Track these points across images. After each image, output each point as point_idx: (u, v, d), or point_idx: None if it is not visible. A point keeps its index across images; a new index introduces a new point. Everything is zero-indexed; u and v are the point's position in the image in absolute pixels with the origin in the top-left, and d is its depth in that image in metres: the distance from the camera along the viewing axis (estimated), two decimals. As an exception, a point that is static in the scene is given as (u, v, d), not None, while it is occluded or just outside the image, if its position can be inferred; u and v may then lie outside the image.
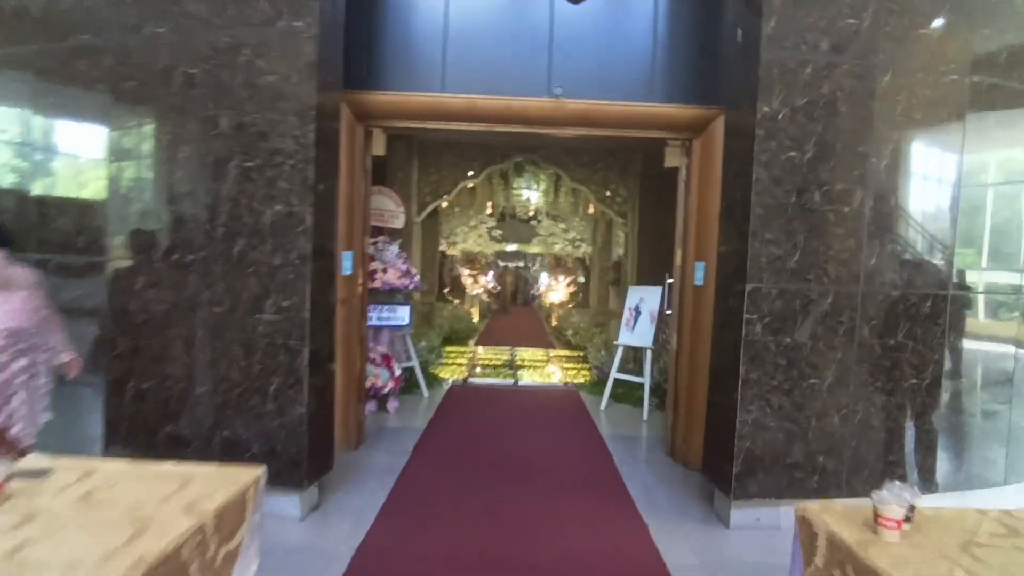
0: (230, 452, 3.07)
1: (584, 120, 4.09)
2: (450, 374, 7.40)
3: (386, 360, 5.24)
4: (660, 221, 6.58)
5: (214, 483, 1.63)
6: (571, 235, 15.65)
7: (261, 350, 3.03)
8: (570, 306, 14.58)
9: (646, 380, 5.59)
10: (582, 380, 7.33)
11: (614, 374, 5.91)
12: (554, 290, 15.26)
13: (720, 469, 3.31)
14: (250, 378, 3.05)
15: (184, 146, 3.10)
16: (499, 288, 19.33)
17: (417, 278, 5.54)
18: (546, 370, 8.09)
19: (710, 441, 3.57)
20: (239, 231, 3.03)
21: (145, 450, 3.10)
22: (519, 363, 8.57)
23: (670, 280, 5.20)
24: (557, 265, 15.05)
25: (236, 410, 3.06)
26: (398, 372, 5.30)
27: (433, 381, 6.76)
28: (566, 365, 8.52)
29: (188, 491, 1.57)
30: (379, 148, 4.35)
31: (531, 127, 4.17)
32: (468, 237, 16.74)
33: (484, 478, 3.85)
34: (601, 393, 6.64)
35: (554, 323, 14.30)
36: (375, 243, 5.24)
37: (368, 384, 5.06)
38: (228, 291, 3.04)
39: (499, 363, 8.47)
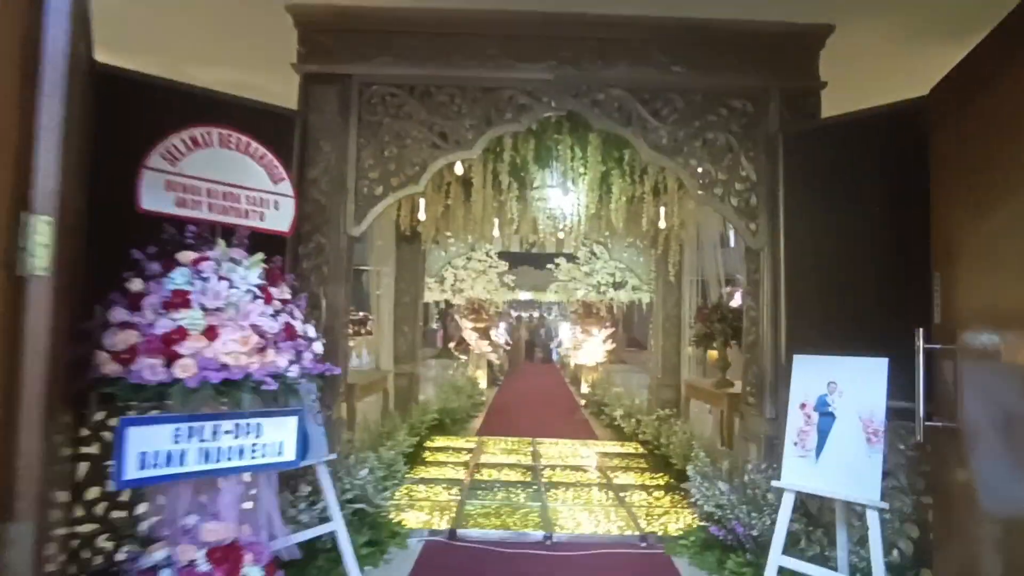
0: None
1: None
2: (427, 510, 4.09)
3: (221, 559, 1.99)
4: (836, 222, 3.31)
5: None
6: (596, 279, 12.36)
7: None
8: (607, 365, 11.08)
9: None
10: (669, 523, 3.97)
11: (777, 557, 2.58)
12: (581, 347, 11.79)
13: None
14: None
15: None
16: (510, 344, 15.96)
17: (315, 350, 2.30)
18: (593, 492, 4.73)
19: None
20: None
21: None
22: (546, 473, 5.22)
23: (925, 344, 2.03)
24: (587, 315, 11.58)
25: None
26: (255, 588, 2.05)
27: (388, 540, 3.46)
28: (623, 478, 5.16)
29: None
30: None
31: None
32: (476, 283, 13.61)
33: None
34: (713, 562, 3.36)
35: (586, 389, 10.90)
36: (195, 263, 2.05)
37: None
38: None
39: (514, 476, 5.14)
